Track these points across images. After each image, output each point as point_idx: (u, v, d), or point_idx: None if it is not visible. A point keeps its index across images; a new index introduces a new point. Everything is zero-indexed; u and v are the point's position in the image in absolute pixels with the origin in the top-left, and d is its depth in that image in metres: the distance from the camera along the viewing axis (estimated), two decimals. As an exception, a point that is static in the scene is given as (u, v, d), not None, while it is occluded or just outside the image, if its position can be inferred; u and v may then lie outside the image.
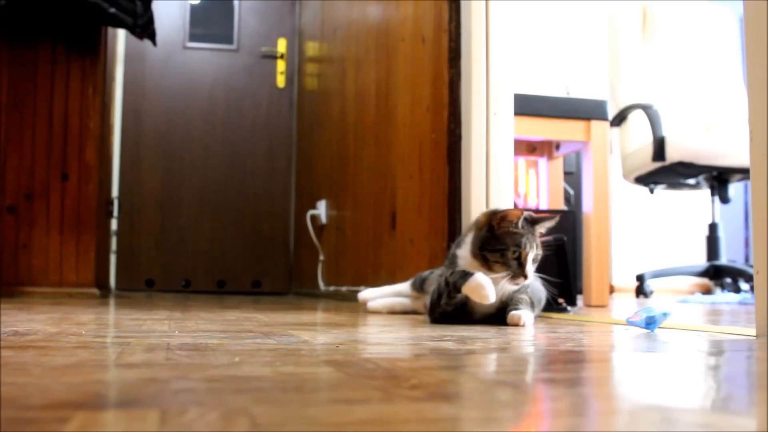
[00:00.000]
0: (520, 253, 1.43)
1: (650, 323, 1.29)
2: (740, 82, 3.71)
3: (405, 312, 1.96)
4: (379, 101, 3.03)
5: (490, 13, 2.30)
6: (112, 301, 2.64)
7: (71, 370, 0.71)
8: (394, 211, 2.79)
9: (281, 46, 4.77)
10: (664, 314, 1.29)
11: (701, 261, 3.91)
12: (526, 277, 1.43)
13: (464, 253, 1.50)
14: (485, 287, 1.39)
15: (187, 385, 0.62)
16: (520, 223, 1.45)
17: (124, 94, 4.57)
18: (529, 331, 1.30)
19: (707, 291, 3.95)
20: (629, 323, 1.34)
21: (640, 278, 3.62)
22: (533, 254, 1.44)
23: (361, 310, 2.16)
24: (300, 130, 4.67)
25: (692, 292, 4.08)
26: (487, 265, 1.45)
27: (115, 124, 4.41)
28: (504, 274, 1.43)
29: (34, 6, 2.95)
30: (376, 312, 1.99)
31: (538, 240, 1.47)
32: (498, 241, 1.44)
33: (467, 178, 2.28)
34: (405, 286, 2.02)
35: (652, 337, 1.20)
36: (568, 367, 0.80)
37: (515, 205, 1.46)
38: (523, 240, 1.43)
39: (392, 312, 1.98)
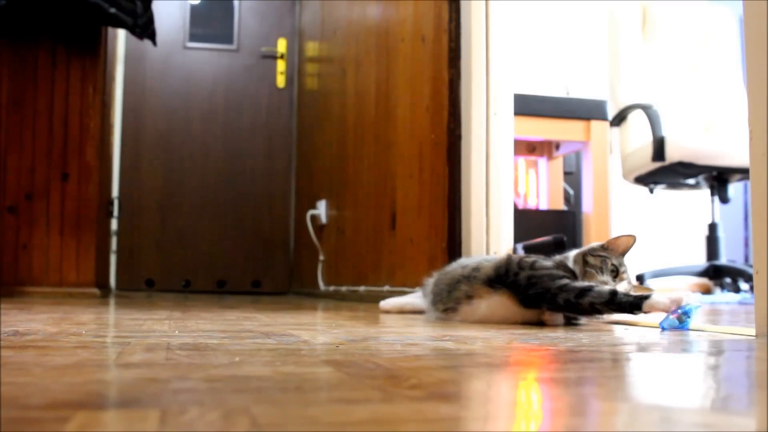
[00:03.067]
0: (618, 272, 1.44)
1: (683, 322, 1.29)
2: (740, 83, 3.71)
3: (414, 311, 1.96)
4: (379, 101, 3.03)
5: (490, 13, 2.30)
6: (112, 301, 2.64)
7: (71, 369, 0.71)
8: (394, 211, 2.79)
9: (281, 46, 4.77)
10: (696, 307, 1.29)
11: (701, 261, 3.91)
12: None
13: (570, 254, 1.52)
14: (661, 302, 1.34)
15: (188, 385, 0.62)
16: (625, 259, 1.48)
17: (124, 94, 4.57)
18: (528, 331, 1.30)
19: (707, 291, 3.95)
20: (663, 328, 1.30)
21: (640, 278, 3.61)
22: (624, 286, 1.43)
23: (362, 310, 2.16)
24: (300, 130, 4.67)
25: (692, 292, 4.08)
26: (584, 270, 1.45)
27: (115, 124, 4.41)
28: (599, 281, 1.42)
29: (35, 6, 2.95)
30: (386, 312, 1.99)
31: (631, 285, 1.47)
32: (605, 251, 1.47)
33: (467, 178, 2.28)
34: (418, 296, 2.03)
35: (652, 337, 1.20)
36: (567, 367, 0.80)
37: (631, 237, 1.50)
38: (623, 268, 1.45)
39: (402, 311, 1.98)
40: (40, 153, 3.04)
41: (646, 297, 1.32)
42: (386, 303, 2.05)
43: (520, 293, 1.47)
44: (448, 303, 1.62)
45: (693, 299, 1.32)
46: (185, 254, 4.62)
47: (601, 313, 1.37)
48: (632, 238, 1.48)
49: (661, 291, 1.46)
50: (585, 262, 1.45)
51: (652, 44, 3.72)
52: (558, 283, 1.41)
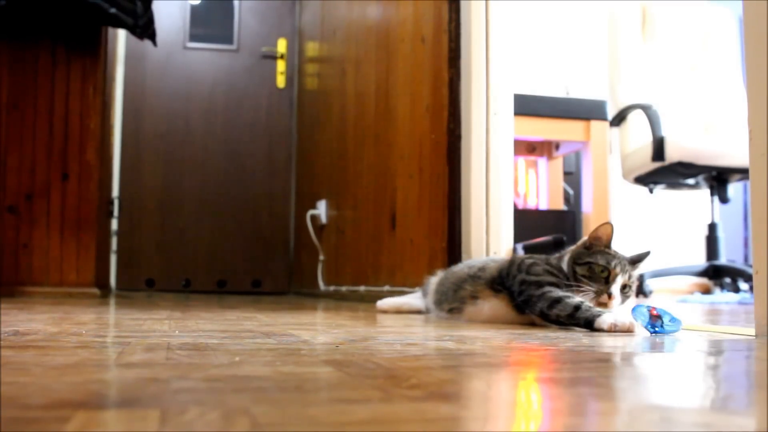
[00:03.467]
0: (609, 272, 1.38)
1: (655, 324, 1.25)
2: (739, 83, 3.72)
3: (411, 312, 1.96)
4: (378, 101, 3.03)
5: (490, 13, 2.30)
6: (112, 301, 2.64)
7: (72, 369, 0.71)
8: (394, 211, 2.79)
9: (281, 46, 4.77)
10: (673, 320, 1.24)
11: (701, 261, 3.91)
12: (610, 296, 1.36)
13: (566, 256, 1.48)
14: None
15: (188, 384, 0.62)
16: (612, 245, 1.43)
17: (125, 94, 4.57)
18: (528, 331, 1.30)
19: (706, 291, 3.95)
20: (651, 330, 1.26)
21: (640, 278, 3.62)
22: (623, 279, 1.38)
23: (361, 310, 2.16)
24: (300, 130, 4.67)
25: (692, 292, 4.08)
26: (576, 280, 1.40)
27: (116, 124, 4.41)
28: (589, 290, 1.37)
29: (35, 6, 2.95)
30: (383, 312, 1.99)
31: (634, 277, 1.42)
32: (589, 255, 1.42)
33: (467, 178, 2.28)
34: (417, 296, 2.02)
35: (651, 337, 1.20)
36: (567, 367, 0.80)
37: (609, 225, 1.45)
38: (614, 261, 1.39)
39: (399, 311, 1.98)
40: (41, 153, 3.04)
41: (599, 315, 1.28)
42: (383, 303, 2.04)
43: (514, 298, 1.47)
44: (453, 303, 1.62)
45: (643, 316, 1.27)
46: (185, 254, 4.62)
47: (567, 324, 1.34)
48: (610, 226, 1.43)
49: (660, 291, 1.45)
50: (574, 272, 1.41)
51: (651, 44, 3.72)
52: (541, 290, 1.40)
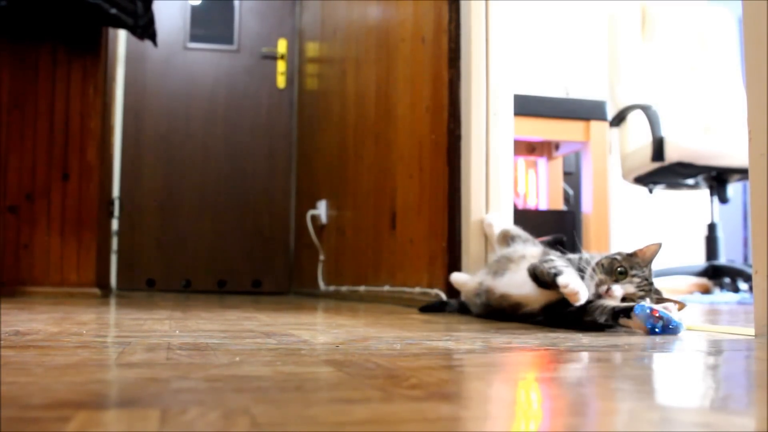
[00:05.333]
0: (626, 274, 1.40)
1: (656, 324, 1.25)
2: (739, 83, 3.72)
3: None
4: (379, 101, 3.03)
5: (490, 14, 2.30)
6: (112, 301, 2.64)
7: (72, 369, 0.71)
8: (394, 211, 2.79)
9: (281, 46, 4.78)
10: (674, 322, 1.25)
11: (700, 261, 3.91)
12: (609, 289, 1.37)
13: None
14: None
15: (188, 384, 0.63)
16: (651, 263, 1.44)
17: (125, 95, 4.57)
18: (528, 331, 1.30)
19: (706, 291, 3.95)
20: (652, 330, 1.25)
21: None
22: (630, 287, 1.39)
23: (362, 310, 2.16)
24: (300, 131, 4.67)
25: (691, 292, 4.08)
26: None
27: (116, 124, 4.41)
28: (597, 279, 1.40)
29: (35, 7, 2.95)
30: (460, 284, 1.98)
31: (652, 294, 1.41)
32: (622, 258, 1.44)
33: (467, 178, 2.28)
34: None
35: (651, 337, 1.21)
36: (567, 367, 0.80)
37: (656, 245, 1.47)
38: (635, 271, 1.40)
39: (463, 288, 1.96)
40: (41, 153, 3.04)
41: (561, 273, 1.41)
42: (459, 275, 2.01)
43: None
44: None
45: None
46: (186, 254, 4.62)
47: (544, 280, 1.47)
48: (656, 245, 1.44)
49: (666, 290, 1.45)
50: (599, 262, 1.44)
51: (651, 45, 3.72)
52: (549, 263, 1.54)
